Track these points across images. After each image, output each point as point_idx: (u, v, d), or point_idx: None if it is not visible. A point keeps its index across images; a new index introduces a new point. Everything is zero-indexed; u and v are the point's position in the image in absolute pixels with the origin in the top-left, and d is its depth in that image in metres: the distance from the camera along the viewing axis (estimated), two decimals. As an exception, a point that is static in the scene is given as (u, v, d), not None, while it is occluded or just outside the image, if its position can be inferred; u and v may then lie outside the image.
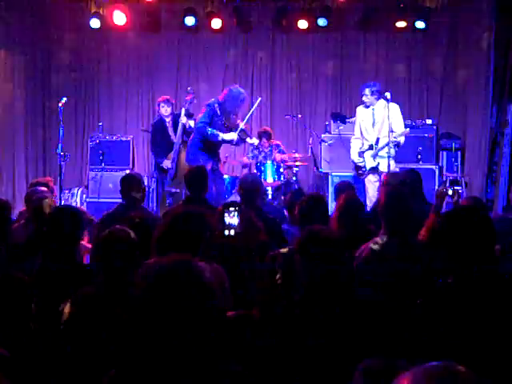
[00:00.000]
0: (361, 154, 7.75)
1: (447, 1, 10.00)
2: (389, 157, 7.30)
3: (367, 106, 7.65)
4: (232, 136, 7.52)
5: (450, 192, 4.95)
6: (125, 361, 1.90)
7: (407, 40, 10.23)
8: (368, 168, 7.65)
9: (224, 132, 7.55)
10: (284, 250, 3.77)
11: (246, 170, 9.28)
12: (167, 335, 1.77)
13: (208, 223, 3.24)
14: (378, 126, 7.52)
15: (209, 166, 7.45)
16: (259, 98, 8.30)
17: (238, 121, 7.66)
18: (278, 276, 3.42)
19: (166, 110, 8.41)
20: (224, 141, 7.54)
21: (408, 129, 7.64)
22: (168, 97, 8.66)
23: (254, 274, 3.05)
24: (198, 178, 5.58)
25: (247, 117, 7.86)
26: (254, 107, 8.12)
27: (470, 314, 2.59)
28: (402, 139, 7.46)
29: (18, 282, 2.76)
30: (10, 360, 2.18)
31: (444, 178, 9.07)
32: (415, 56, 10.26)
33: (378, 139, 7.52)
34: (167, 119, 8.39)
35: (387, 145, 7.36)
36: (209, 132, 7.42)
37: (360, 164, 7.72)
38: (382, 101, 7.49)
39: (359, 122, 7.82)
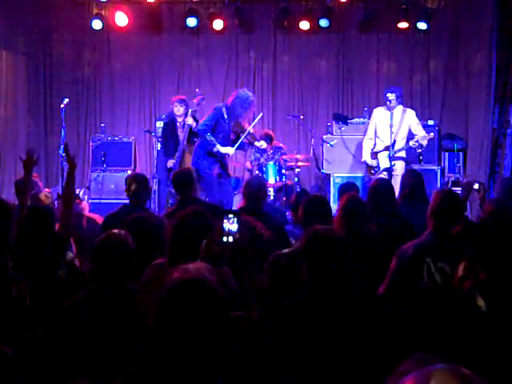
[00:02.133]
0: (374, 154, 8.02)
1: (449, 2, 10.00)
2: (402, 158, 7.85)
3: (389, 109, 7.87)
4: (228, 150, 7.50)
5: (477, 186, 4.98)
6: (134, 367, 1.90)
7: (409, 41, 10.23)
8: (382, 168, 7.90)
9: (231, 137, 7.55)
10: (287, 251, 3.77)
11: (248, 173, 9.28)
12: (179, 348, 1.77)
13: (212, 222, 3.24)
14: (395, 129, 7.78)
15: (215, 171, 7.45)
16: (261, 114, 8.29)
17: (246, 125, 7.65)
18: (280, 276, 3.42)
19: (178, 110, 8.29)
20: (219, 152, 7.47)
21: (432, 133, 8.08)
22: (183, 96, 8.57)
23: (253, 276, 3.05)
24: (183, 179, 5.52)
25: (254, 122, 7.83)
26: (256, 121, 8.03)
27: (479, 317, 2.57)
28: (424, 142, 7.86)
29: (17, 284, 2.76)
30: (14, 358, 2.18)
31: (446, 179, 9.07)
32: (417, 57, 10.25)
33: (394, 141, 7.79)
34: (179, 119, 8.29)
35: (404, 148, 7.82)
36: (207, 137, 7.40)
37: (373, 165, 7.98)
38: (400, 105, 7.92)
39: (375, 122, 8.10)
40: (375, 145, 8.07)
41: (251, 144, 7.91)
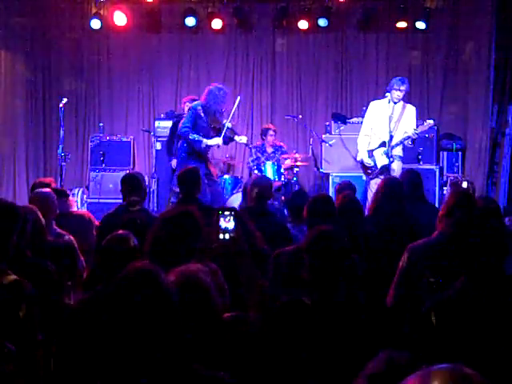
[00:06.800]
0: (370, 152, 7.42)
1: (447, 1, 10.01)
2: (399, 157, 7.34)
3: (389, 102, 7.26)
4: (216, 141, 7.34)
5: (465, 185, 4.92)
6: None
7: (407, 40, 10.23)
8: (379, 166, 7.31)
9: (211, 134, 7.38)
10: (289, 249, 3.75)
11: (247, 171, 9.28)
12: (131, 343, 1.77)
13: (200, 223, 3.20)
14: (393, 124, 7.26)
15: (201, 171, 7.38)
16: (238, 98, 7.99)
17: (224, 120, 7.47)
18: (282, 274, 3.42)
19: None
20: (208, 146, 7.36)
21: (432, 121, 7.55)
22: (194, 96, 8.40)
23: (251, 275, 3.04)
24: (189, 179, 5.51)
25: (230, 115, 7.58)
26: (235, 107, 7.71)
27: (479, 317, 2.57)
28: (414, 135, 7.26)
29: (17, 285, 2.77)
30: (17, 355, 2.19)
31: (445, 179, 9.05)
32: (415, 56, 10.26)
33: (391, 136, 7.24)
34: None
35: (401, 143, 7.26)
36: (191, 137, 7.23)
37: (370, 164, 7.40)
38: (401, 100, 7.36)
39: (372, 116, 7.48)
40: (370, 142, 7.48)
41: (231, 139, 7.71)
